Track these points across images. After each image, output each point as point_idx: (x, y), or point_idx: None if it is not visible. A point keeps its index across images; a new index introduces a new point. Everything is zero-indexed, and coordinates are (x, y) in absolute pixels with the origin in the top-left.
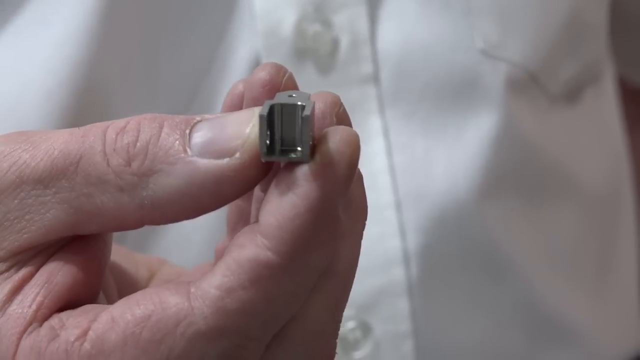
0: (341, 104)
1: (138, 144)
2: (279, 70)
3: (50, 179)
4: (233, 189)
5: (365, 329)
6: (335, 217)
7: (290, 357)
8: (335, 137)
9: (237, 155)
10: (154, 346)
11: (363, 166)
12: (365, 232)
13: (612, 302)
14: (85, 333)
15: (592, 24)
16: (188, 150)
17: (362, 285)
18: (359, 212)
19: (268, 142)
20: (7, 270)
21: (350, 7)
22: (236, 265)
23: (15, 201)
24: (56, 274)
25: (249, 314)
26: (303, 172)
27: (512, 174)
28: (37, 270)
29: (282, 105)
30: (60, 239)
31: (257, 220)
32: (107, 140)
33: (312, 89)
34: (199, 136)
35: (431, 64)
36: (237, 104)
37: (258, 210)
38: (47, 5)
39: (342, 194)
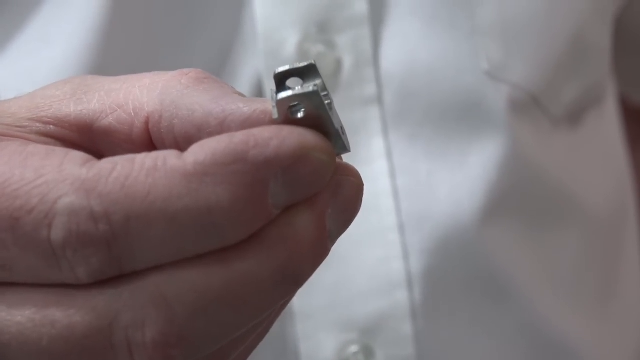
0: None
1: (202, 74)
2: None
3: (109, 81)
4: (240, 123)
5: (368, 353)
6: (260, 190)
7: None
8: (316, 136)
9: (269, 107)
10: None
11: (366, 188)
12: (368, 255)
13: (615, 325)
14: None
15: (596, 45)
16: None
17: (365, 309)
18: (299, 239)
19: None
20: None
21: (354, 27)
22: (148, 154)
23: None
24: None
25: (123, 190)
26: (262, 127)
27: (516, 197)
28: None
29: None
30: (73, 128)
31: None
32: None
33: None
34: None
35: (435, 85)
36: None
37: None
38: (49, 23)
39: (282, 175)
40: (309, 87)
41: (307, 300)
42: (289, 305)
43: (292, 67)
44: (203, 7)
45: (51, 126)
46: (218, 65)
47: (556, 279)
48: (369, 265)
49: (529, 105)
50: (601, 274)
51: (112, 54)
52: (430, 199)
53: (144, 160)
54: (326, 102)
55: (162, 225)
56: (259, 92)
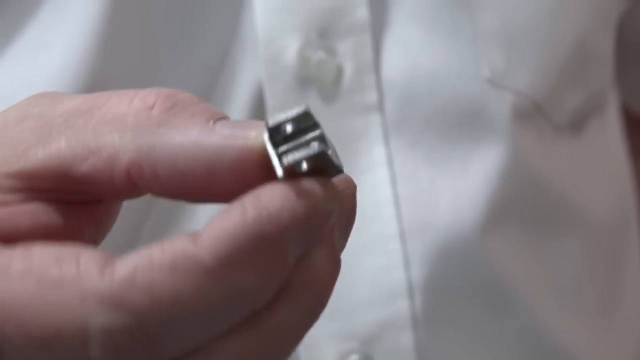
0: None
1: (171, 98)
2: None
3: (71, 114)
4: (230, 173)
5: None
6: (280, 254)
7: None
8: (325, 181)
9: (253, 139)
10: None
11: (367, 196)
12: (369, 264)
13: (617, 334)
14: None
15: (598, 52)
16: (211, 122)
17: (365, 318)
18: (313, 279)
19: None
20: None
21: (355, 34)
22: (162, 251)
23: (31, 127)
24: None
25: (153, 299)
26: (270, 189)
27: (517, 205)
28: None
29: (310, 117)
30: (51, 180)
31: None
32: (140, 93)
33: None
34: (222, 124)
35: (436, 92)
36: None
37: None
38: (47, 28)
39: (298, 233)
40: (313, 144)
41: None
42: None
43: (285, 117)
44: (202, 13)
45: (26, 180)
46: (217, 71)
47: (558, 287)
48: (369, 274)
49: (531, 113)
50: (603, 283)
51: (111, 59)
52: (432, 207)
53: (163, 258)
54: (322, 144)
55: (195, 319)
56: (260, 99)
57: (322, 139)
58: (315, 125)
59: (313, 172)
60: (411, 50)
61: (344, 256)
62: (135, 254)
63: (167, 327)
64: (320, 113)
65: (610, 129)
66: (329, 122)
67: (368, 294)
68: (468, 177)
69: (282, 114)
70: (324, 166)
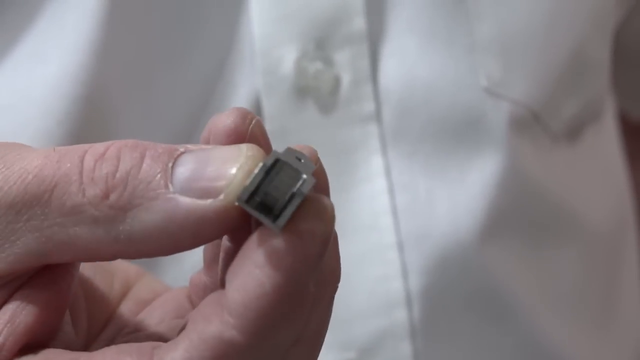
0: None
1: (117, 174)
2: (245, 117)
3: (22, 204)
4: (213, 231)
5: None
6: (304, 294)
7: None
8: (310, 212)
9: (222, 197)
10: None
11: (365, 206)
12: (367, 273)
13: (614, 341)
14: None
15: (595, 61)
16: (170, 186)
17: (364, 328)
18: (330, 276)
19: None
20: None
21: (352, 44)
22: (200, 341)
23: None
24: (20, 313)
25: None
26: (272, 248)
27: (515, 214)
28: (1, 306)
29: (286, 166)
30: (28, 269)
31: (223, 284)
32: (84, 167)
33: (313, 128)
34: (182, 172)
35: (434, 102)
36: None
37: (225, 262)
38: (44, 40)
39: (313, 270)
40: (297, 191)
41: None
42: None
43: (254, 180)
44: (199, 24)
45: (4, 278)
46: (214, 83)
47: (556, 295)
48: (367, 283)
49: (528, 122)
50: (601, 291)
51: (107, 69)
52: (430, 216)
53: (201, 353)
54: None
55: None
56: (257, 109)
57: (293, 174)
58: (279, 163)
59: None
60: (408, 60)
61: (342, 267)
62: (171, 348)
63: None
64: (317, 124)
65: (606, 136)
66: (327, 133)
67: (366, 304)
68: (466, 187)
69: (251, 177)
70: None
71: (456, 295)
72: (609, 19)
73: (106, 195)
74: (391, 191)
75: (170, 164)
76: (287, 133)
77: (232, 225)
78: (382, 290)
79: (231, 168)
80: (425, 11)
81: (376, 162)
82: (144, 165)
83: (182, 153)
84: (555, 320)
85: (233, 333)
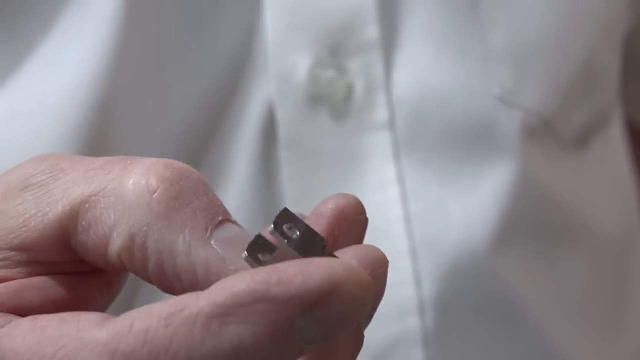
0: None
1: (176, 185)
2: (355, 210)
3: (71, 184)
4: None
5: None
6: (283, 323)
7: None
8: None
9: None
10: None
11: (378, 214)
12: None
13: (624, 348)
14: None
15: (605, 68)
16: (209, 231)
17: (376, 334)
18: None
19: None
20: None
21: (365, 52)
22: (165, 301)
23: (32, 197)
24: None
25: (145, 344)
26: (289, 262)
27: (527, 222)
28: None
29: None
30: (52, 248)
31: None
32: (145, 165)
33: (326, 135)
34: (224, 232)
35: (446, 110)
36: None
37: None
38: (61, 48)
39: (310, 317)
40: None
41: None
42: None
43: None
44: (214, 31)
45: (29, 252)
46: (228, 90)
47: (566, 302)
48: None
49: (539, 130)
50: (610, 297)
51: (123, 77)
52: (442, 224)
53: (161, 309)
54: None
55: None
56: (270, 117)
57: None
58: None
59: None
60: (421, 68)
61: None
62: (137, 309)
63: None
64: (331, 131)
65: (614, 143)
66: (340, 140)
67: (379, 311)
68: (478, 195)
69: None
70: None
71: (468, 303)
72: (618, 27)
73: (152, 192)
74: (404, 199)
75: (220, 218)
76: (300, 140)
77: None
78: (394, 297)
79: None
80: (438, 19)
81: (389, 170)
82: (204, 198)
83: (233, 221)
84: (565, 327)
85: (200, 301)
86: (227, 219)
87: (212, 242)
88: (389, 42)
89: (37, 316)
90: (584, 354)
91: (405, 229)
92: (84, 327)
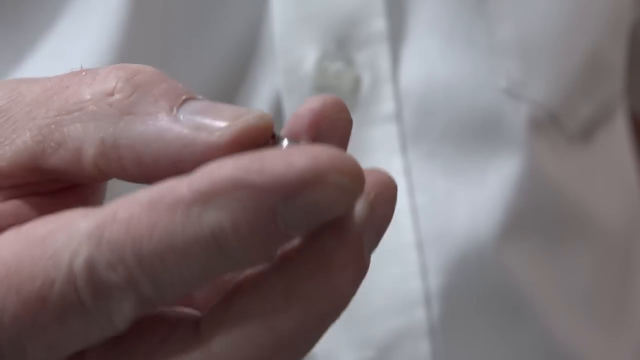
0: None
1: (132, 80)
2: (337, 109)
3: (34, 104)
4: (191, 164)
5: None
6: (264, 210)
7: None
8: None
9: (219, 133)
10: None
11: None
12: (386, 272)
13: (628, 341)
14: None
15: (611, 62)
16: (175, 110)
17: (382, 326)
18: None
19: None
20: None
21: (373, 45)
22: (148, 188)
23: None
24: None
25: (129, 232)
26: (274, 150)
27: (533, 215)
28: None
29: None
30: (22, 174)
31: None
32: (99, 74)
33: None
34: (192, 105)
35: (454, 103)
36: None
37: None
38: (66, 40)
39: (293, 207)
40: None
41: None
42: None
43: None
44: (221, 23)
45: (0, 179)
46: (236, 82)
47: (571, 295)
48: (387, 282)
49: (546, 123)
50: (615, 290)
51: None
52: (449, 216)
53: (144, 197)
54: None
55: (174, 258)
56: (278, 110)
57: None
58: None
59: None
60: (428, 61)
61: None
62: (122, 197)
63: (147, 265)
64: None
65: (618, 136)
66: None
67: (385, 303)
68: (485, 187)
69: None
70: None
71: (474, 295)
72: (624, 21)
73: (111, 93)
74: (411, 191)
75: (184, 97)
76: None
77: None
78: (401, 289)
79: (239, 117)
80: (446, 12)
81: (396, 162)
82: (162, 84)
83: (199, 98)
84: (570, 320)
85: (182, 186)
86: (192, 97)
87: (181, 117)
88: (396, 35)
89: (20, 225)
90: (589, 346)
91: (412, 221)
92: (69, 220)
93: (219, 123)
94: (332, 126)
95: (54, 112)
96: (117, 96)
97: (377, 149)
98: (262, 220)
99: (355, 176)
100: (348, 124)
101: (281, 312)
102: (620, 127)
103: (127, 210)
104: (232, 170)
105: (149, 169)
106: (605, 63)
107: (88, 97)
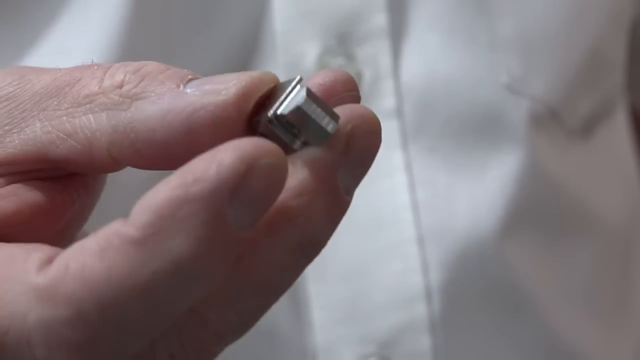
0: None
1: (139, 72)
2: (346, 83)
3: (44, 94)
4: (210, 133)
5: None
6: (213, 219)
7: None
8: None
9: (225, 92)
10: None
11: (386, 201)
12: (387, 268)
13: (628, 337)
14: None
15: (612, 57)
16: (181, 86)
17: (383, 322)
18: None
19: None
20: None
21: (374, 40)
22: (95, 234)
23: (3, 111)
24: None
25: (85, 283)
26: (198, 158)
27: (534, 210)
28: None
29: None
30: (28, 161)
31: None
32: (111, 67)
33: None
34: (197, 80)
35: (454, 99)
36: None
37: None
38: (67, 35)
39: (238, 202)
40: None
41: (325, 313)
42: (307, 318)
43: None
44: (221, 20)
45: (4, 167)
46: None
47: (572, 291)
48: (388, 278)
49: (546, 118)
50: (615, 286)
51: None
52: (450, 212)
53: (92, 242)
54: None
55: (139, 300)
56: None
57: (306, 94)
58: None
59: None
60: (429, 57)
61: (362, 261)
62: (73, 245)
63: (110, 314)
64: None
65: (619, 133)
66: None
67: (386, 298)
68: (485, 183)
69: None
70: (307, 126)
71: (475, 290)
72: (624, 16)
73: (120, 85)
74: (411, 186)
75: (190, 77)
76: None
77: (227, 129)
78: (402, 284)
79: (243, 76)
80: (447, 8)
81: (397, 158)
82: (167, 71)
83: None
84: (571, 315)
85: (128, 227)
86: (196, 77)
87: (188, 91)
88: (397, 30)
89: None
90: (589, 342)
91: (413, 216)
92: (29, 267)
93: (224, 85)
94: (341, 102)
95: (66, 105)
96: (126, 87)
97: None
98: (216, 229)
99: (280, 156)
100: (357, 101)
101: (251, 245)
102: (620, 122)
103: (78, 260)
104: (167, 192)
105: (163, 148)
106: (606, 58)
107: (99, 90)
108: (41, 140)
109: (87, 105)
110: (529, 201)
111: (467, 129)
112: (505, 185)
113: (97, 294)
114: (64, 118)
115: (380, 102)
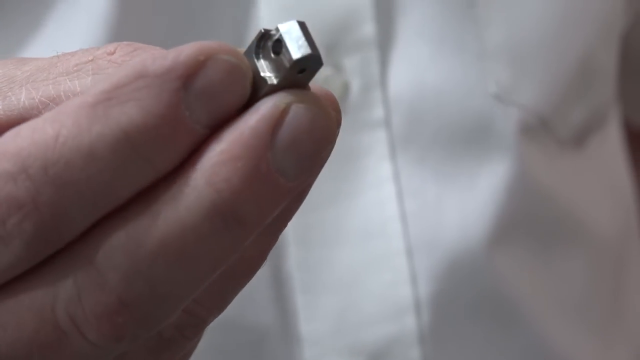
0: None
1: (130, 46)
2: None
3: (35, 71)
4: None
5: None
6: (168, 97)
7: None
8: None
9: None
10: None
11: (374, 212)
12: (376, 279)
13: (621, 347)
14: None
15: (603, 67)
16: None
17: (373, 333)
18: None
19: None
20: None
21: (362, 50)
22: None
23: None
24: None
25: (33, 140)
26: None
27: (524, 220)
28: None
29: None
30: (10, 129)
31: None
32: (106, 45)
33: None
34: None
35: (443, 108)
36: None
37: None
38: (51, 44)
39: (196, 92)
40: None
41: (314, 325)
42: (296, 330)
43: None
44: (208, 28)
45: None
46: None
47: (563, 301)
48: (376, 290)
49: (536, 128)
50: (607, 296)
51: None
52: (439, 223)
53: (48, 113)
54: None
55: (81, 162)
56: None
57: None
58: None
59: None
60: (418, 67)
61: (351, 272)
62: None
63: (52, 173)
64: None
65: (611, 143)
66: None
67: (375, 310)
68: (475, 193)
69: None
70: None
71: (465, 301)
72: (616, 26)
73: (111, 53)
74: (400, 197)
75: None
76: None
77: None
78: (391, 296)
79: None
80: (435, 18)
81: (385, 168)
82: (157, 48)
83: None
84: (562, 326)
85: (85, 94)
86: None
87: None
88: (385, 40)
89: None
90: (581, 353)
91: (402, 227)
92: None
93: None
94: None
95: (54, 74)
96: (117, 54)
97: (366, 155)
98: (169, 107)
99: (241, 58)
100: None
101: (163, 199)
102: (613, 133)
103: (32, 123)
104: (129, 67)
105: None
106: (597, 68)
107: (90, 58)
108: (24, 105)
109: (75, 73)
110: (518, 211)
111: (456, 138)
112: (495, 196)
113: (43, 151)
114: (50, 85)
115: (369, 112)
